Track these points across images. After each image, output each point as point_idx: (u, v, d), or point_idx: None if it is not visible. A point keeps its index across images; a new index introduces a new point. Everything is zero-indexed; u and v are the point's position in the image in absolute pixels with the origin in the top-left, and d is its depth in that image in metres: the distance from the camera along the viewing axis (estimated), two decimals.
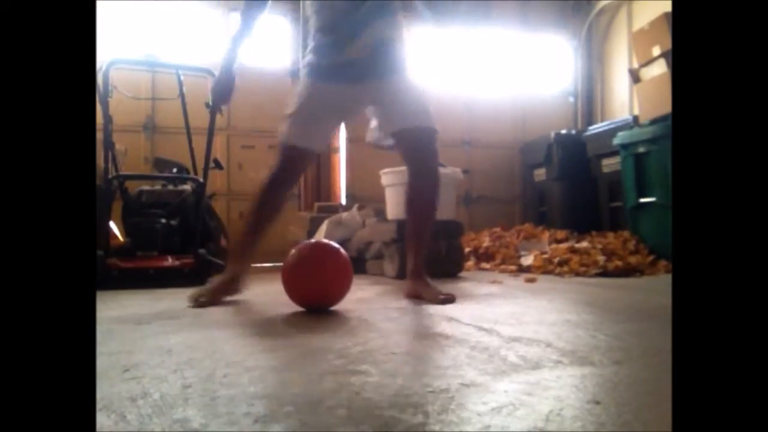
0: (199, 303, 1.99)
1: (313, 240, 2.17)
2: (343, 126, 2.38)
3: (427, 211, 2.21)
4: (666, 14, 3.59)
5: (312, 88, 2.12)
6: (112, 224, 3.22)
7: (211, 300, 2.03)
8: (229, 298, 2.11)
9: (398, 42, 2.13)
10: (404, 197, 2.27)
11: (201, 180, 3.21)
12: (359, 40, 2.05)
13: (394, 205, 3.48)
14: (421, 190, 2.20)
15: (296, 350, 1.32)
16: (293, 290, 1.89)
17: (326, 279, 1.89)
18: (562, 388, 0.96)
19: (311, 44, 2.14)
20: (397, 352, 1.24)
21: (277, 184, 2.20)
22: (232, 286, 2.13)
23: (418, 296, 2.10)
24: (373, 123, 2.28)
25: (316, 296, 1.88)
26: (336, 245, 2.00)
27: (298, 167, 2.25)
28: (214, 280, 2.22)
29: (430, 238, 2.28)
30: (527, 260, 3.55)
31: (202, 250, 2.96)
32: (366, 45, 2.06)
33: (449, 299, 2.01)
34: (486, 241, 4.06)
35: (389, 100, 2.13)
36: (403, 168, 3.58)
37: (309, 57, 2.14)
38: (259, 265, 4.55)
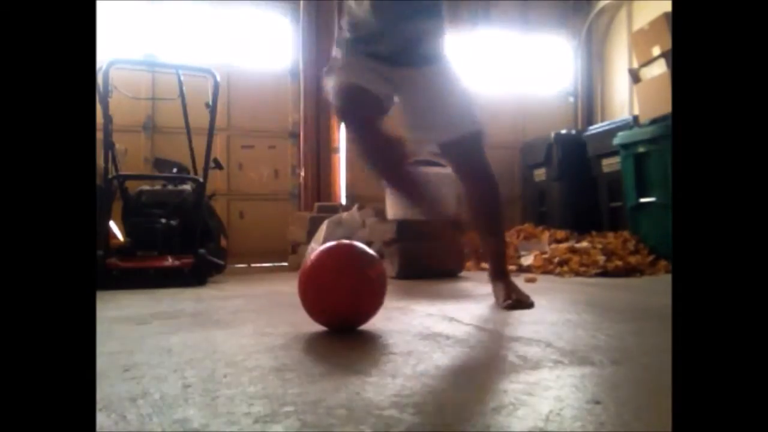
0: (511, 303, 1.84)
1: (343, 242, 1.66)
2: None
3: (492, 217, 2.05)
4: (666, 14, 3.59)
5: (350, 59, 1.91)
6: (112, 224, 3.22)
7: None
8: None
9: (438, 34, 1.97)
10: (467, 208, 2.07)
11: (201, 180, 3.21)
12: (398, 33, 1.88)
13: (394, 205, 3.49)
14: (480, 201, 2.03)
15: (296, 350, 1.32)
16: (312, 308, 1.52)
17: (356, 306, 1.50)
18: (562, 388, 0.96)
19: (344, 37, 1.96)
20: (397, 352, 1.24)
21: (362, 128, 1.83)
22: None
23: (509, 297, 1.90)
24: (408, 132, 2.02)
25: (343, 316, 1.51)
26: (372, 252, 1.60)
27: (365, 102, 1.84)
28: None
29: (503, 241, 2.13)
30: (527, 260, 3.55)
31: (202, 250, 2.97)
32: (405, 37, 1.88)
33: (517, 305, 1.85)
34: None
35: (426, 97, 1.93)
36: None
37: (342, 47, 1.96)
38: (258, 265, 4.56)
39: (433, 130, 1.96)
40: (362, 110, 1.83)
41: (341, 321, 1.50)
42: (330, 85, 1.91)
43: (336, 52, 1.98)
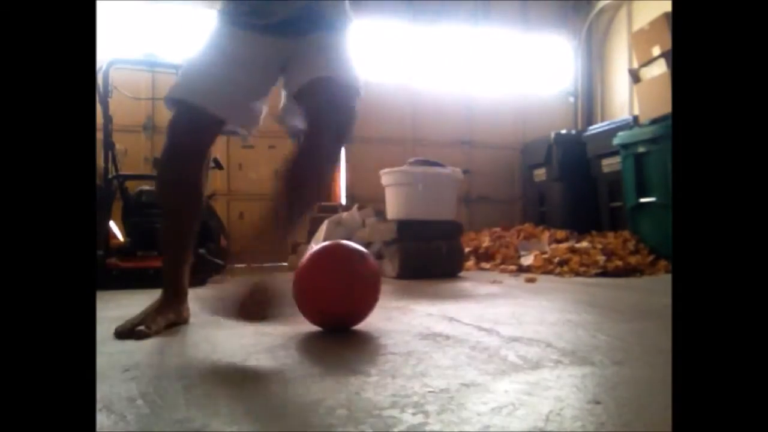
0: (136, 333, 1.44)
1: (335, 242, 1.67)
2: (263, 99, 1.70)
3: (305, 195, 1.53)
4: (666, 14, 3.60)
5: (222, 34, 1.62)
6: (112, 224, 3.22)
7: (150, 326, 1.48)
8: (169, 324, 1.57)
9: (335, 4, 1.63)
10: (285, 168, 1.53)
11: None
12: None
13: (394, 205, 3.49)
14: (308, 166, 1.48)
15: (296, 350, 1.32)
16: (306, 307, 1.51)
17: (354, 298, 1.50)
18: (562, 388, 0.96)
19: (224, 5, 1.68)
20: (397, 352, 1.24)
21: (174, 157, 1.59)
22: (166, 309, 1.58)
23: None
24: (283, 96, 1.68)
25: (339, 316, 1.51)
26: (363, 250, 1.60)
27: (194, 139, 1.58)
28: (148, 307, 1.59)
29: (296, 223, 1.58)
30: (527, 260, 3.55)
31: (202, 250, 2.96)
32: (295, 4, 1.56)
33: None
34: (486, 241, 4.06)
35: (304, 55, 1.57)
36: (404, 168, 3.61)
37: (223, 10, 1.67)
38: (258, 265, 4.56)
39: (296, 78, 1.56)
40: (189, 159, 1.61)
41: (337, 320, 1.51)
42: (172, 87, 1.60)
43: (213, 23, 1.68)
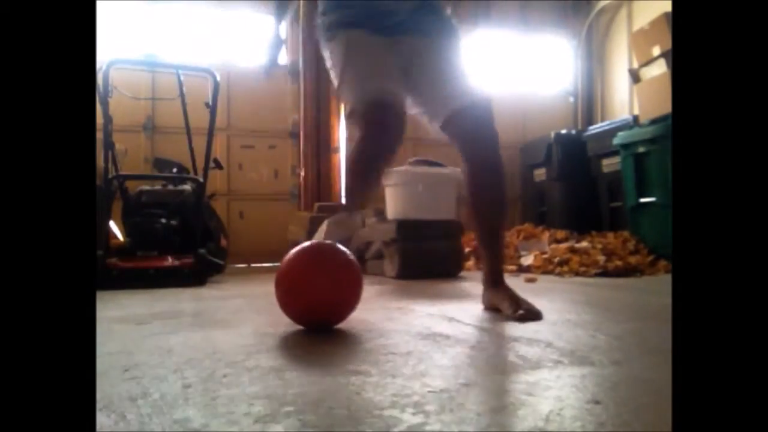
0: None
1: (312, 242, 1.75)
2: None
3: (498, 208, 1.80)
4: (666, 14, 3.60)
5: (346, 40, 1.70)
6: (112, 224, 3.22)
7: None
8: None
9: (441, 6, 1.80)
10: (468, 196, 1.81)
11: (201, 180, 3.21)
12: None
13: (394, 205, 3.49)
14: (488, 185, 1.74)
15: (296, 350, 1.32)
16: (290, 306, 1.56)
17: (331, 296, 1.54)
18: (562, 388, 0.96)
19: (325, 4, 1.77)
20: (397, 352, 1.24)
21: (366, 157, 1.68)
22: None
23: (495, 308, 1.79)
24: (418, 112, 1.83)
25: (318, 314, 1.54)
26: (342, 248, 1.66)
27: (384, 127, 1.64)
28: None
29: (503, 241, 1.90)
30: (527, 260, 3.56)
31: (202, 250, 2.96)
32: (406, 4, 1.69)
33: (530, 316, 1.64)
34: None
35: (433, 71, 1.73)
36: (404, 168, 3.61)
37: (327, 16, 1.75)
38: (258, 265, 4.56)
39: (439, 102, 1.74)
40: (381, 149, 1.68)
41: (321, 316, 1.53)
42: (346, 100, 1.74)
43: (323, 33, 1.77)
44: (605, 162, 4.38)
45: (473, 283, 2.85)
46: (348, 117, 1.71)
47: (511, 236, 4.18)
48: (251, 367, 1.12)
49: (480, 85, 1.75)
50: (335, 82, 1.76)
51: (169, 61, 3.84)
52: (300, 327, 1.54)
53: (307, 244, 1.66)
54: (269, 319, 1.77)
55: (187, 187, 3.40)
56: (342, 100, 1.80)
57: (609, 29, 5.61)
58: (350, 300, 1.57)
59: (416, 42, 1.72)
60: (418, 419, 0.80)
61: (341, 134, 4.85)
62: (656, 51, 3.69)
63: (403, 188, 3.45)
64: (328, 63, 1.79)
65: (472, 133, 1.71)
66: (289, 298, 1.53)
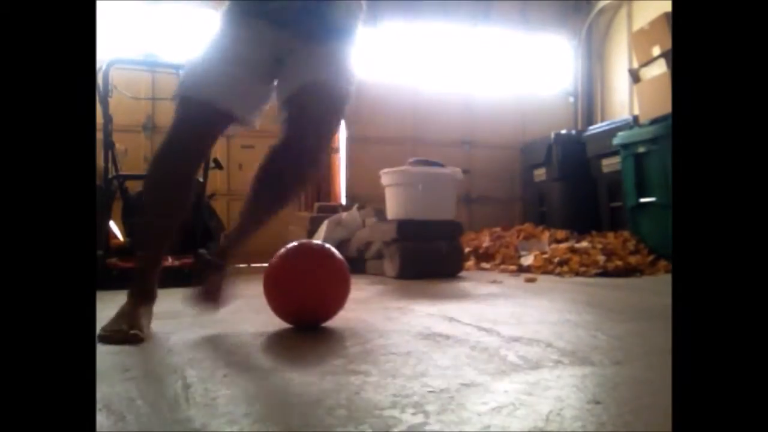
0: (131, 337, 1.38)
1: (300, 242, 1.74)
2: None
3: (278, 207, 1.59)
4: (666, 14, 3.60)
5: (229, 25, 1.54)
6: (112, 224, 3.22)
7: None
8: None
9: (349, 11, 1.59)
10: (257, 171, 1.58)
11: (201, 180, 3.21)
12: None
13: (394, 205, 3.49)
14: (289, 166, 1.50)
15: (296, 350, 1.32)
16: (277, 305, 1.57)
17: (316, 294, 1.55)
18: (563, 388, 0.96)
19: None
20: (397, 352, 1.24)
21: (174, 154, 1.51)
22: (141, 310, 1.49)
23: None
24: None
25: (305, 312, 1.55)
26: (328, 247, 1.67)
27: (202, 132, 1.52)
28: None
29: (264, 223, 1.62)
30: (527, 260, 3.55)
31: (202, 250, 2.96)
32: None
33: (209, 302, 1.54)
34: (486, 241, 4.06)
35: (304, 62, 1.51)
36: (404, 168, 3.61)
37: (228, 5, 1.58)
38: (258, 265, 4.56)
39: (289, 82, 1.52)
40: (192, 152, 1.55)
41: (309, 314, 1.55)
42: (180, 82, 1.58)
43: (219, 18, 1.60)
44: (605, 162, 4.37)
45: (473, 283, 2.85)
46: (175, 98, 1.56)
47: (511, 236, 4.18)
48: (251, 367, 1.12)
49: (348, 73, 1.54)
50: (191, 54, 1.61)
51: (169, 61, 3.84)
52: (299, 328, 1.54)
53: (290, 245, 1.65)
54: (268, 319, 1.76)
55: None
56: (182, 74, 1.59)
57: (609, 29, 5.61)
58: (335, 296, 1.59)
59: (297, 40, 1.51)
60: (418, 419, 0.80)
61: (341, 134, 4.85)
62: (656, 51, 3.69)
63: (403, 188, 3.45)
64: (202, 39, 1.61)
65: (300, 112, 1.47)
66: (274, 299, 1.57)
